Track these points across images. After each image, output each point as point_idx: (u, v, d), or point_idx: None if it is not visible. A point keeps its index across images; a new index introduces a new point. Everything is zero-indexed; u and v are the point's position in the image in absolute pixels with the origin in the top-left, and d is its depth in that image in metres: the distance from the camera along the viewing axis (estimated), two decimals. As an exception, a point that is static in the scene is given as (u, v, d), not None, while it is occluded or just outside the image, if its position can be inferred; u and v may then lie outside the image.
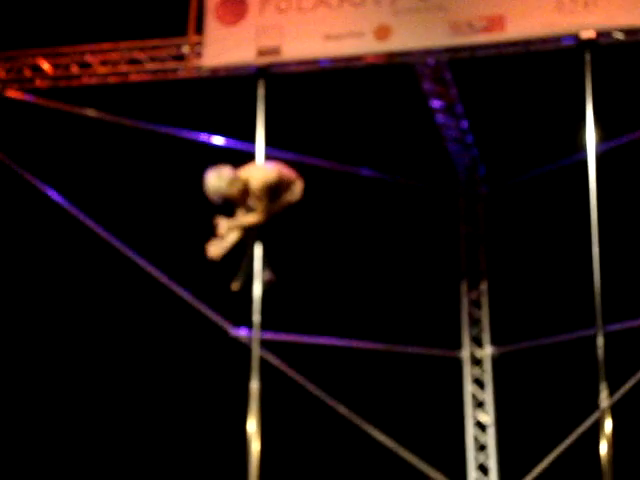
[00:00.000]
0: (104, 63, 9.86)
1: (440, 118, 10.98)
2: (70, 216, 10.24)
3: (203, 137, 10.55)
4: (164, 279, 10.22)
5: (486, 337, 11.57)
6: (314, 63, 9.40)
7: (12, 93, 10.07)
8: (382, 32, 9.12)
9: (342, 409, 10.70)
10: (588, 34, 8.73)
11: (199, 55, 9.57)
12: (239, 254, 7.81)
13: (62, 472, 10.70)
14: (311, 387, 10.58)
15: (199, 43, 9.58)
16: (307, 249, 10.57)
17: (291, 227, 8.01)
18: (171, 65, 9.76)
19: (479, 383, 11.49)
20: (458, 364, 11.52)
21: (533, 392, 10.96)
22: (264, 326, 8.69)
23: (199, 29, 9.59)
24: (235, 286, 7.85)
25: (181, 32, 9.70)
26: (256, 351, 8.66)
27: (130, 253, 10.18)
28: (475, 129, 11.23)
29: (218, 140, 10.53)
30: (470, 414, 11.39)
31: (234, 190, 7.58)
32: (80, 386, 10.99)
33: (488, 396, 11.42)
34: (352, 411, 10.72)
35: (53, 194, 10.29)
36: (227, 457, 9.84)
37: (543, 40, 8.90)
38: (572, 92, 9.18)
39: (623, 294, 10.08)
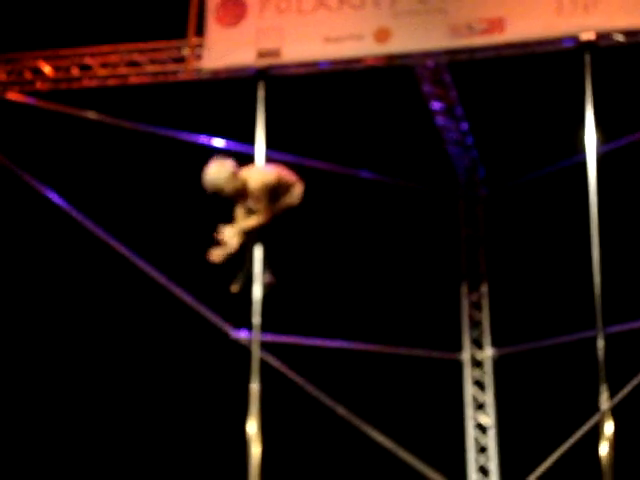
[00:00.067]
0: (104, 65, 9.88)
1: (440, 120, 10.98)
2: (71, 218, 10.25)
3: (203, 139, 10.55)
4: (164, 281, 10.23)
5: (486, 339, 11.57)
6: (314, 65, 9.41)
7: (13, 95, 10.08)
8: (382, 34, 9.13)
9: (342, 411, 10.71)
10: (588, 36, 8.73)
11: (199, 57, 9.58)
12: (239, 256, 7.81)
13: (62, 472, 10.70)
14: (311, 389, 10.59)
15: (199, 45, 9.59)
16: (307, 251, 10.56)
17: (291, 229, 8.01)
18: (171, 67, 9.77)
19: (479, 385, 11.49)
20: (459, 366, 11.52)
21: (533, 394, 10.95)
22: (264, 328, 8.71)
23: (199, 31, 9.60)
24: (234, 288, 7.87)
25: (181, 34, 9.71)
26: (256, 353, 8.67)
27: (130, 255, 10.19)
28: (475, 131, 11.23)
29: (218, 142, 10.52)
30: (470, 416, 11.39)
31: (230, 186, 7.57)
32: (81, 388, 11.00)
33: (489, 398, 11.42)
34: (352, 413, 10.72)
35: (54, 196, 10.30)
36: (227, 458, 9.84)
37: (543, 42, 8.90)
38: (572, 94, 9.18)
39: (623, 296, 10.07)
